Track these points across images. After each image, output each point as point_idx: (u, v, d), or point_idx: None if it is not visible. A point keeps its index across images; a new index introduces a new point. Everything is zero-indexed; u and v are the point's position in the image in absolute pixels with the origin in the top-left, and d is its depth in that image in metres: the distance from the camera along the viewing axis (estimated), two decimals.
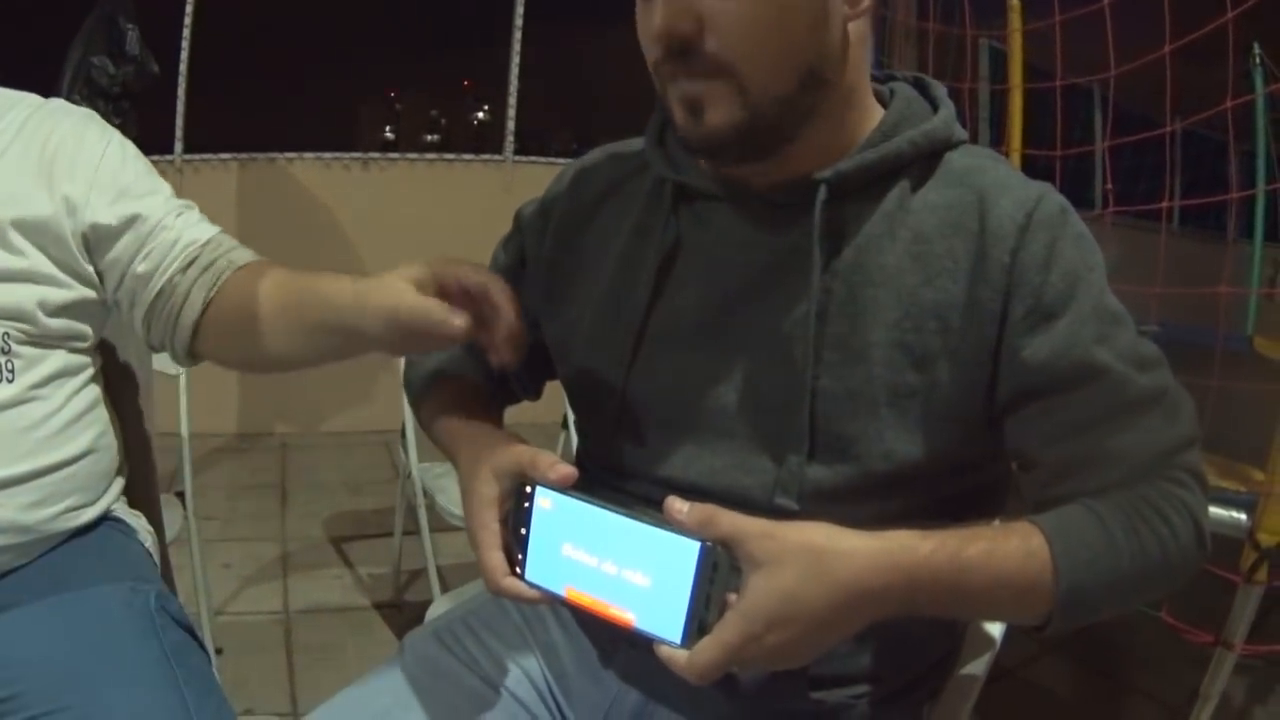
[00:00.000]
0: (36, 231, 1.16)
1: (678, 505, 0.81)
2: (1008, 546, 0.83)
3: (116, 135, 1.28)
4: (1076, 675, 2.63)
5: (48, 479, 1.15)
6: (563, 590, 0.86)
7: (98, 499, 1.24)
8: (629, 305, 1.01)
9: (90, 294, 1.22)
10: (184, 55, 4.32)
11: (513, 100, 4.89)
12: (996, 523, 1.11)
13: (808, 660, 0.83)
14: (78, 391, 1.22)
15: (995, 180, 0.93)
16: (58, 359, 1.20)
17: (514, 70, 4.90)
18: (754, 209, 0.98)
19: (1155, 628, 1.83)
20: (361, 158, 4.65)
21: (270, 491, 3.78)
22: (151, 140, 4.08)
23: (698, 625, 0.79)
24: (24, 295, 1.16)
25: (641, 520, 0.82)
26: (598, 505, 0.85)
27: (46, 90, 1.31)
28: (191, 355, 1.22)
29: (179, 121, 4.34)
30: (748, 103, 0.88)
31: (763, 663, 0.81)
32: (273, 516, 3.53)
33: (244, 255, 1.22)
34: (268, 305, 1.13)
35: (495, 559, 0.90)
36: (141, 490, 1.42)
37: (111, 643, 1.08)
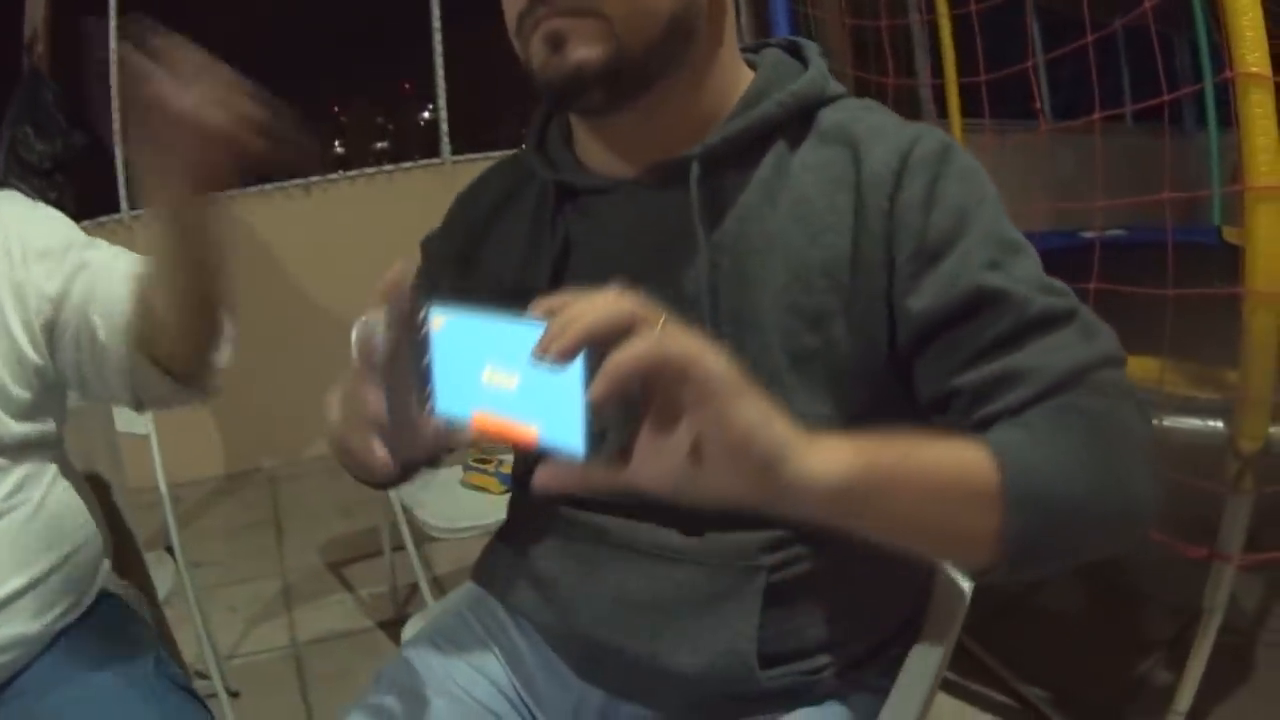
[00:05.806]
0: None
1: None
2: (938, 442, 0.74)
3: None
4: (1086, 594, 2.62)
5: (45, 585, 1.14)
6: (471, 416, 0.76)
7: (91, 587, 1.23)
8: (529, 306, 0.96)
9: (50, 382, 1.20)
10: (116, 113, 4.23)
11: (442, 102, 4.84)
12: None
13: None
14: (54, 482, 1.20)
15: (869, 129, 0.91)
16: (28, 459, 1.17)
17: (439, 71, 4.83)
18: (633, 196, 0.97)
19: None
20: (303, 184, 4.59)
21: (265, 528, 3.77)
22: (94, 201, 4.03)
23: (599, 430, 0.69)
24: None
25: (532, 323, 0.72)
26: (489, 316, 0.76)
27: None
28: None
29: (121, 178, 4.24)
30: (612, 41, 0.86)
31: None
32: (270, 552, 3.53)
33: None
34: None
35: (373, 446, 0.80)
36: (127, 555, 1.42)
37: (114, 717, 1.08)
